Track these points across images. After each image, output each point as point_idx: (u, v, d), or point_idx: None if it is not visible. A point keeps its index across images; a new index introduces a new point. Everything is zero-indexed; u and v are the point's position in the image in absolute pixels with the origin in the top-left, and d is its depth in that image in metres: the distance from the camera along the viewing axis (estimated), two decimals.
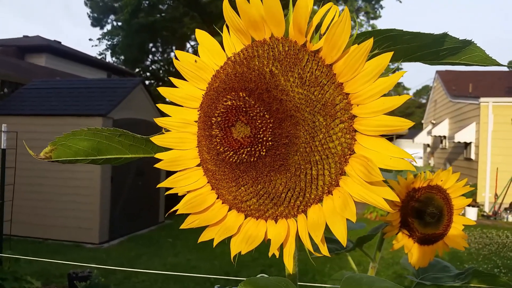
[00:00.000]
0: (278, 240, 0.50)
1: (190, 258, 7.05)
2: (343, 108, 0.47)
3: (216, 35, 0.55)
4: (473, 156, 13.87)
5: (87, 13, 24.41)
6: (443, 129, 17.21)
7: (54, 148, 0.61)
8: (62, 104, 8.44)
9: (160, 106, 0.61)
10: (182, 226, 0.55)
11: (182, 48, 22.95)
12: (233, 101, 0.49)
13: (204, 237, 0.55)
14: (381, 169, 0.44)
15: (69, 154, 0.62)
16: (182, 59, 0.58)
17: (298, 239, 0.51)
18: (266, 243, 0.53)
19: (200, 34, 0.57)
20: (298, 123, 0.47)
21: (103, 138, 0.63)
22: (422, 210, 1.08)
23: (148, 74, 25.66)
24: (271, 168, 0.48)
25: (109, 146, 0.64)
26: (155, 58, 25.53)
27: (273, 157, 0.48)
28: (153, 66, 25.63)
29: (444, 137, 17.62)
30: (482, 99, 13.17)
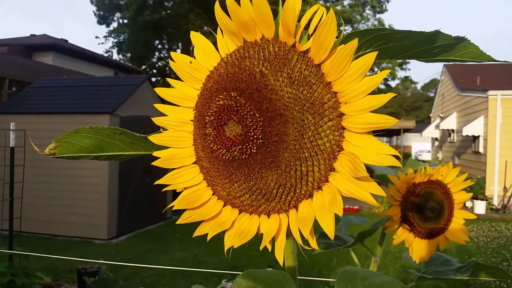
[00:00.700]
0: (270, 234, 0.52)
1: (198, 253, 7.10)
2: (332, 106, 0.49)
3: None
4: (481, 150, 13.76)
5: (93, 11, 24.52)
6: (451, 122, 17.08)
7: (58, 145, 0.63)
8: (69, 102, 8.51)
9: (158, 106, 0.63)
10: (178, 221, 0.57)
11: (188, 44, 22.95)
12: (225, 101, 0.50)
13: (198, 232, 0.57)
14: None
15: (73, 151, 0.64)
16: (177, 60, 0.60)
17: (290, 233, 0.53)
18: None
19: (195, 36, 0.59)
20: (288, 121, 0.48)
21: (104, 136, 0.65)
22: (423, 205, 1.09)
23: (154, 71, 25.71)
24: (262, 165, 0.50)
25: (111, 144, 0.66)
26: (161, 55, 25.57)
27: (263, 154, 0.49)
28: (159, 63, 25.66)
29: (452, 130, 17.49)
30: (490, 92, 13.04)
